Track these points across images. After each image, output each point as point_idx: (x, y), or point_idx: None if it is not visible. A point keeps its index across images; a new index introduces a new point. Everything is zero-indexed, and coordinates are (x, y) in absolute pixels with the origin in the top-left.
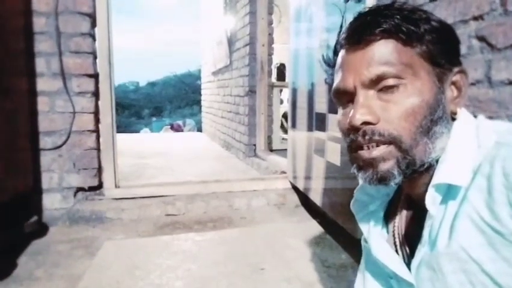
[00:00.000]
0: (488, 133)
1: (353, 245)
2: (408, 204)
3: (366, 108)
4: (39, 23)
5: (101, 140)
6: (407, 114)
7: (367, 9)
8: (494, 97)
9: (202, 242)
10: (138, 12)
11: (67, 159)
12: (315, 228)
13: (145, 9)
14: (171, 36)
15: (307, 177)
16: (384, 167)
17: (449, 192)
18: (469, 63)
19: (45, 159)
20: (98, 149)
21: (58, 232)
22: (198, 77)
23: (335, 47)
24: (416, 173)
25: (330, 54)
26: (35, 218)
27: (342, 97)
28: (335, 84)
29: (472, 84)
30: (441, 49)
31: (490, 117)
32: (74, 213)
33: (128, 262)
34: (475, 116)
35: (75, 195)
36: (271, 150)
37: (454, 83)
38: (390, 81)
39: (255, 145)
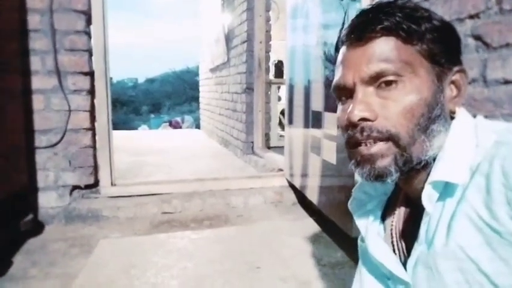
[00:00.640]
0: (487, 132)
1: (349, 243)
2: (405, 203)
3: (364, 105)
4: (33, 21)
5: (97, 138)
6: (405, 112)
7: (369, 7)
8: (490, 96)
9: (198, 240)
10: (136, 8)
11: (62, 157)
12: (311, 226)
13: (144, 6)
14: (170, 33)
15: (304, 175)
16: (382, 163)
17: (446, 190)
18: (464, 62)
19: (40, 157)
20: (94, 147)
21: (54, 230)
22: (197, 74)
23: (337, 43)
24: (413, 171)
25: (332, 51)
26: (30, 217)
27: (342, 93)
28: (334, 80)
29: (468, 83)
30: (441, 48)
31: (485, 117)
32: (70, 211)
33: (124, 261)
34: (474, 116)
35: (71, 193)
36: (269, 148)
37: (453, 82)
38: (390, 78)
39: (252, 142)
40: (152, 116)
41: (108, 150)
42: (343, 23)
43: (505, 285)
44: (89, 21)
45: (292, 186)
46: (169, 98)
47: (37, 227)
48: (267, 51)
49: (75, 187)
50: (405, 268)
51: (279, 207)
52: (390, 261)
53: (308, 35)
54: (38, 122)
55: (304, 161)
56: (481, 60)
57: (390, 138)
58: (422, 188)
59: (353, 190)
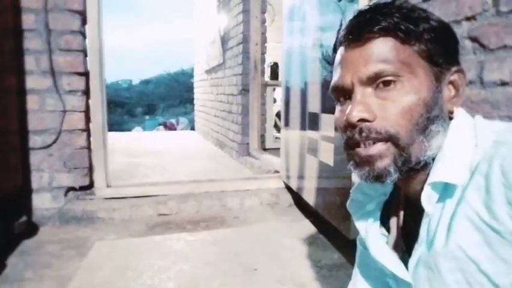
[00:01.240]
0: (485, 132)
1: (345, 245)
2: (405, 204)
3: (363, 106)
4: (28, 20)
5: (92, 139)
6: (404, 112)
7: (367, 7)
8: (487, 98)
9: (194, 242)
10: (132, 9)
11: (57, 158)
12: (308, 228)
13: (139, 7)
14: (165, 34)
15: (300, 177)
16: (381, 164)
17: (445, 190)
18: (461, 64)
19: (35, 158)
20: (89, 148)
21: (48, 232)
22: (191, 75)
23: (335, 44)
24: (411, 171)
25: (330, 52)
26: (24, 218)
27: (340, 94)
28: (333, 81)
29: (466, 83)
30: (439, 48)
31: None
32: (64, 213)
33: (120, 263)
34: (473, 116)
35: (66, 194)
36: (265, 149)
37: (451, 83)
38: (388, 79)
39: (248, 144)
40: (146, 117)
41: (103, 152)
42: (340, 24)
43: (506, 285)
44: (84, 22)
45: (288, 187)
46: (164, 100)
47: (31, 229)
48: (263, 53)
49: (70, 188)
50: (407, 269)
51: (275, 209)
52: (391, 261)
53: (305, 37)
54: (33, 123)
55: (300, 163)
56: (478, 62)
57: (389, 138)
58: (422, 188)
59: (351, 191)
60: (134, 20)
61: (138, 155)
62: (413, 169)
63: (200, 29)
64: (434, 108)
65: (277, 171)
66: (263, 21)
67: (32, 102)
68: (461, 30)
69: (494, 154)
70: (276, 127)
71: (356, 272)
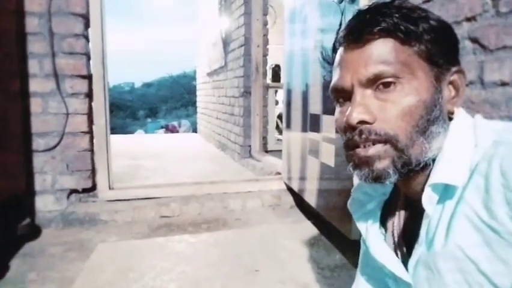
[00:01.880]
0: (485, 132)
1: (347, 246)
2: (405, 204)
3: (363, 107)
4: (32, 24)
5: (94, 141)
6: (404, 114)
7: (366, 7)
8: (487, 98)
9: (196, 243)
10: (133, 13)
11: (60, 160)
12: (309, 229)
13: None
14: (166, 37)
15: (302, 178)
16: (379, 165)
17: (445, 191)
18: (461, 65)
19: (38, 160)
20: (91, 150)
21: (51, 234)
22: (193, 78)
23: (334, 44)
24: (412, 172)
25: (329, 52)
26: (27, 220)
27: (340, 95)
28: (332, 82)
29: (466, 83)
30: (439, 49)
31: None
32: (67, 215)
33: (122, 264)
34: (472, 116)
35: (68, 197)
36: (266, 151)
37: (451, 83)
38: (388, 80)
39: (250, 146)
40: (149, 120)
41: (106, 154)
42: (340, 24)
43: (505, 286)
44: (87, 25)
45: (290, 189)
46: (166, 103)
47: (34, 231)
48: (265, 55)
49: (72, 191)
50: (406, 269)
51: (277, 211)
52: (391, 261)
53: (306, 39)
54: (36, 125)
55: (302, 164)
56: (478, 62)
57: (389, 140)
58: (422, 189)
59: (352, 191)
60: (136, 23)
61: (140, 157)
62: (413, 170)
63: (202, 31)
64: (434, 109)
65: (279, 173)
66: (265, 24)
67: (35, 105)
68: (461, 31)
69: (493, 154)
70: (278, 129)
71: (359, 272)
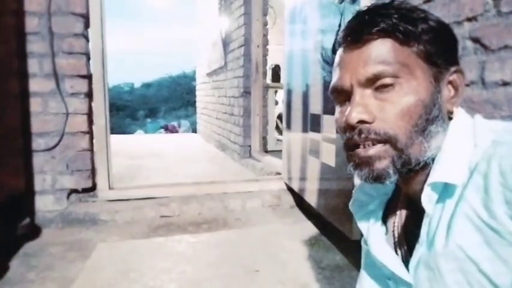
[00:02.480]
0: (485, 132)
1: (347, 247)
2: (406, 204)
3: (362, 107)
4: (31, 24)
5: (94, 141)
6: (403, 114)
7: (365, 8)
8: (488, 98)
9: (196, 243)
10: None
11: (60, 160)
12: (310, 229)
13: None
14: (166, 38)
15: (302, 179)
16: (379, 165)
17: (445, 191)
18: (462, 65)
19: (38, 160)
20: (91, 150)
21: (51, 234)
22: (193, 78)
23: (333, 45)
24: (411, 172)
25: (329, 52)
26: (27, 220)
27: (339, 95)
28: (332, 83)
29: (466, 85)
30: (438, 49)
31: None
32: (67, 215)
33: (122, 264)
34: (472, 116)
35: (68, 197)
36: (266, 152)
37: (450, 83)
38: (387, 80)
39: (250, 146)
40: (148, 120)
41: (106, 154)
42: (339, 25)
43: (506, 285)
44: (87, 25)
45: (290, 189)
46: (166, 103)
47: (34, 231)
48: (264, 55)
49: (72, 191)
50: (407, 269)
51: (277, 211)
52: (392, 262)
53: (306, 39)
54: (36, 125)
55: (302, 164)
56: (479, 62)
57: (388, 140)
58: (422, 188)
59: (353, 191)
60: (136, 24)
61: (140, 157)
62: (413, 169)
63: (201, 31)
64: (433, 109)
65: (279, 173)
66: (264, 24)
67: (35, 104)
68: (463, 31)
69: (492, 154)
70: (278, 129)
71: (362, 272)
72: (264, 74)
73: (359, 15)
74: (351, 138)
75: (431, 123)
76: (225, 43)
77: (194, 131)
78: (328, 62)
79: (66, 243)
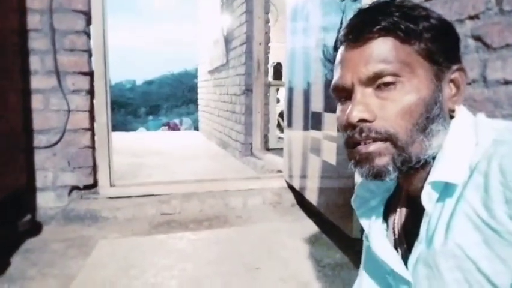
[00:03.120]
0: (486, 131)
1: (348, 244)
2: (407, 201)
3: (363, 106)
4: (33, 21)
5: (96, 138)
6: (404, 112)
7: (367, 6)
8: (490, 97)
9: (197, 241)
10: (135, 10)
11: (61, 157)
12: (310, 227)
13: (142, 8)
14: (168, 35)
15: (303, 177)
16: (380, 162)
17: (446, 190)
18: (464, 63)
19: (39, 157)
20: (93, 147)
21: (52, 231)
22: (195, 76)
23: (335, 43)
24: (412, 169)
25: (331, 50)
26: (28, 217)
27: (341, 94)
28: (333, 81)
29: (467, 83)
30: (440, 47)
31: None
32: (68, 212)
33: (123, 261)
34: (474, 114)
35: (69, 193)
36: (268, 149)
37: (452, 81)
38: (388, 79)
39: (251, 144)
40: (150, 118)
41: (107, 151)
42: (341, 23)
43: (504, 285)
44: (88, 22)
45: (291, 187)
46: (167, 100)
47: (35, 228)
48: (266, 53)
49: (74, 187)
50: (406, 266)
51: (278, 208)
52: (392, 258)
53: (308, 37)
54: (37, 122)
55: (303, 162)
56: (481, 60)
57: (389, 138)
58: (422, 186)
59: (355, 188)
60: (138, 20)
61: (141, 155)
62: (414, 168)
63: (203, 29)
64: (434, 108)
65: (280, 171)
66: (266, 22)
67: (36, 101)
68: (465, 29)
69: (493, 153)
70: (279, 127)
71: (362, 269)
72: (266, 71)
73: (360, 13)
74: (352, 136)
75: (432, 121)
76: (227, 41)
77: (196, 128)
78: (330, 61)
79: (67, 240)
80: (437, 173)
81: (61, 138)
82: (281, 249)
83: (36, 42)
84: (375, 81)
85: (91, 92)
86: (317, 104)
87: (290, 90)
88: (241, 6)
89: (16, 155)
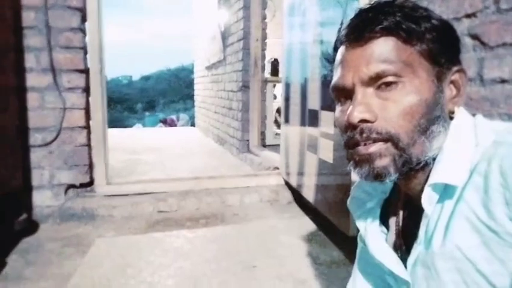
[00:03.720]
0: (486, 132)
1: (345, 242)
2: (405, 203)
3: (364, 106)
4: (28, 18)
5: (92, 136)
6: (405, 113)
7: (368, 6)
8: (486, 95)
9: (194, 239)
10: (132, 5)
11: (57, 155)
12: (307, 224)
13: (139, 3)
14: (165, 30)
15: (300, 174)
16: (380, 163)
17: (445, 191)
18: (462, 63)
19: (35, 155)
20: (89, 145)
21: (49, 230)
22: (192, 71)
23: (335, 43)
24: (412, 171)
25: (329, 49)
26: (25, 216)
27: (341, 94)
28: (333, 81)
29: (467, 83)
30: (441, 48)
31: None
32: (65, 210)
33: (120, 260)
34: (473, 115)
35: (66, 192)
36: (265, 146)
37: (452, 82)
38: (389, 79)
39: (248, 140)
40: (147, 113)
41: (103, 149)
42: (341, 22)
43: (503, 286)
44: (84, 18)
45: (288, 184)
46: (164, 96)
47: (32, 226)
48: (263, 49)
49: (70, 186)
50: (405, 267)
51: (275, 206)
52: (390, 259)
53: (305, 33)
54: (33, 120)
55: (300, 160)
56: (477, 59)
57: (390, 139)
58: (422, 188)
59: (351, 189)
60: (134, 15)
61: (138, 151)
62: (414, 169)
63: (200, 25)
64: (435, 109)
65: (277, 168)
66: (263, 17)
67: (32, 99)
68: (462, 28)
69: (493, 154)
70: (277, 123)
71: (355, 269)
72: (263, 68)
73: (362, 13)
74: (353, 137)
75: (433, 123)
76: (224, 37)
77: (193, 124)
78: (329, 60)
79: (63, 239)
80: (438, 175)
81: (57, 136)
82: (278, 246)
83: (32, 40)
84: (377, 82)
85: (86, 90)
86: (314, 101)
87: (287, 87)
88: (239, 1)
89: (12, 154)
